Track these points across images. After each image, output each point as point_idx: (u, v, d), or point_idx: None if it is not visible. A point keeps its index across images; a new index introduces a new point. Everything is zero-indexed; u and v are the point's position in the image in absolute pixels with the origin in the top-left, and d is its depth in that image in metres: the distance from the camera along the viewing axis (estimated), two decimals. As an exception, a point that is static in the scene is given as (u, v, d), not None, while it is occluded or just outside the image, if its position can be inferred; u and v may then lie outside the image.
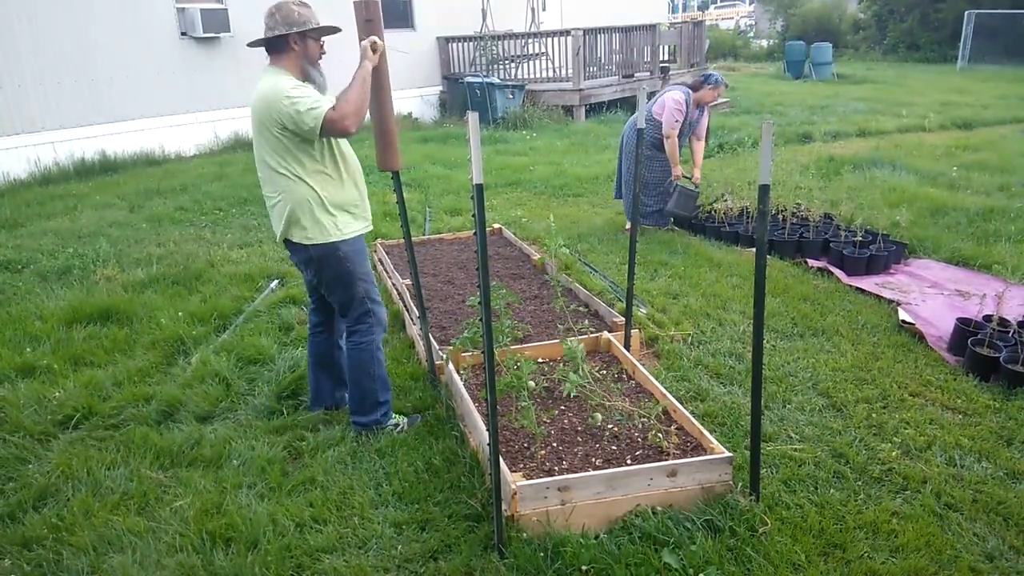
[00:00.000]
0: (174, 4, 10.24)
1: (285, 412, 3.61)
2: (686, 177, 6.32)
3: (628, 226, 6.22)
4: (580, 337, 3.76)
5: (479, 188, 2.25)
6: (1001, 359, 3.75)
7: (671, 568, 2.49)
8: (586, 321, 4.28)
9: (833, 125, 11.48)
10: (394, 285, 5.09)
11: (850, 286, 5.13)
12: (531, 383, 3.40)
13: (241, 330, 4.54)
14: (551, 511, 2.67)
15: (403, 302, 4.75)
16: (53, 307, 4.90)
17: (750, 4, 39.34)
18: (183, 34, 10.39)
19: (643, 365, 3.75)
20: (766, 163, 2.41)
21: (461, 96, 13.13)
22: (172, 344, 4.36)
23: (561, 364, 3.68)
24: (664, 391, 3.39)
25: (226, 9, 10.66)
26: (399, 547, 2.68)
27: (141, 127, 10.08)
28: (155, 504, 2.95)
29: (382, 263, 5.55)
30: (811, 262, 5.58)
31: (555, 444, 3.13)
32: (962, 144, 9.93)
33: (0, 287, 5.37)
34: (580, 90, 12.99)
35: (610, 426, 3.24)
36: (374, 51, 3.07)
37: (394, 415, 3.48)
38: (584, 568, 2.50)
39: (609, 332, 4.10)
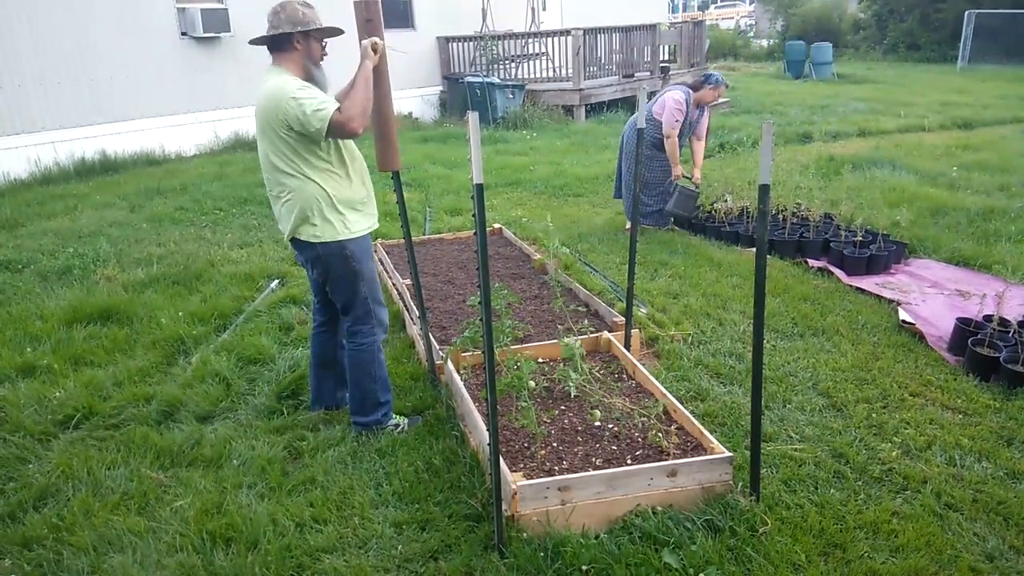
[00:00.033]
0: (174, 4, 10.24)
1: (285, 412, 3.62)
2: (686, 177, 6.32)
3: (628, 226, 6.22)
4: (580, 337, 3.76)
5: (479, 188, 2.25)
6: (1001, 359, 3.75)
7: (671, 568, 2.50)
8: (586, 321, 4.28)
9: (833, 125, 11.48)
10: (394, 285, 5.09)
11: (850, 286, 5.13)
12: (531, 383, 3.40)
13: (241, 330, 4.54)
14: (551, 511, 2.67)
15: (403, 302, 4.75)
16: (53, 307, 4.90)
17: (750, 4, 39.34)
18: (183, 34, 10.39)
19: (643, 365, 3.75)
20: (766, 163, 2.41)
21: (461, 96, 13.14)
22: (172, 344, 4.36)
23: (561, 364, 3.68)
24: (664, 391, 3.39)
25: (226, 9, 10.66)
26: (399, 547, 2.68)
27: (141, 127, 10.08)
28: (155, 504, 2.95)
29: (382, 263, 5.55)
30: (811, 262, 5.58)
31: (555, 444, 3.13)
32: (962, 144, 9.93)
33: (0, 287, 5.37)
34: (580, 90, 12.98)
35: (610, 426, 3.24)
36: (375, 51, 3.07)
37: (394, 415, 3.48)
38: (584, 568, 2.50)
39: (609, 332, 4.10)
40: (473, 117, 2.20)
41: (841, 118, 12.27)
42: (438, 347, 3.94)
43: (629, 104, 13.85)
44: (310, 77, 3.04)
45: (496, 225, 6.50)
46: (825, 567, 2.55)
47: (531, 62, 13.97)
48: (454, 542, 2.69)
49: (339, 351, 3.52)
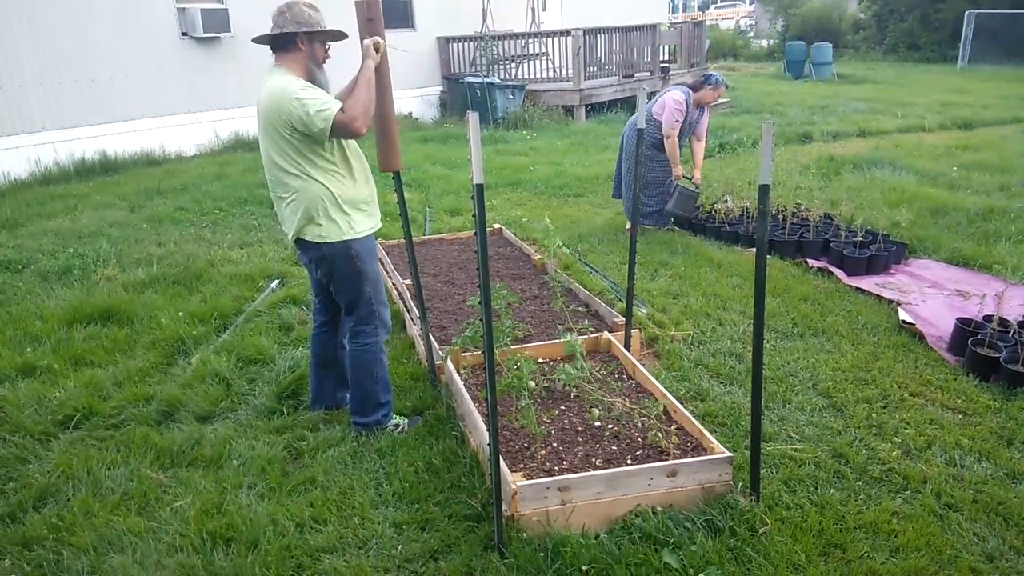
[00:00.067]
0: (174, 4, 10.24)
1: (285, 412, 3.62)
2: (687, 177, 6.32)
3: (628, 226, 6.22)
4: (580, 337, 3.76)
5: (479, 188, 2.25)
6: (1001, 359, 3.75)
7: (671, 568, 2.50)
8: (586, 321, 4.28)
9: (833, 125, 11.48)
10: (394, 285, 5.09)
11: (850, 286, 5.13)
12: (531, 383, 3.40)
13: (241, 330, 4.54)
14: (551, 511, 2.67)
15: (403, 302, 4.75)
16: (53, 307, 4.90)
17: (750, 4, 39.35)
18: (183, 34, 10.39)
19: (643, 365, 3.75)
20: (766, 163, 2.41)
21: (461, 96, 13.14)
22: (172, 344, 4.36)
23: (561, 364, 3.68)
24: (664, 391, 3.39)
25: (226, 9, 10.66)
26: (399, 547, 2.68)
27: (141, 127, 10.08)
28: (155, 504, 2.95)
29: (382, 263, 5.54)
30: (811, 262, 5.58)
31: (555, 444, 3.13)
32: (962, 144, 9.93)
33: (0, 287, 5.37)
34: (580, 90, 12.98)
35: (610, 426, 3.24)
36: (376, 50, 3.07)
37: (394, 416, 3.48)
38: (584, 568, 2.50)
39: (609, 332, 4.10)
40: (473, 117, 2.20)
41: (841, 118, 12.27)
42: (438, 347, 3.94)
43: (629, 104, 13.85)
44: (312, 78, 3.04)
45: (496, 225, 6.50)
46: (825, 567, 2.55)
47: (531, 62, 13.97)
48: (454, 542, 2.69)
49: (339, 351, 3.52)
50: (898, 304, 4.77)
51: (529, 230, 6.62)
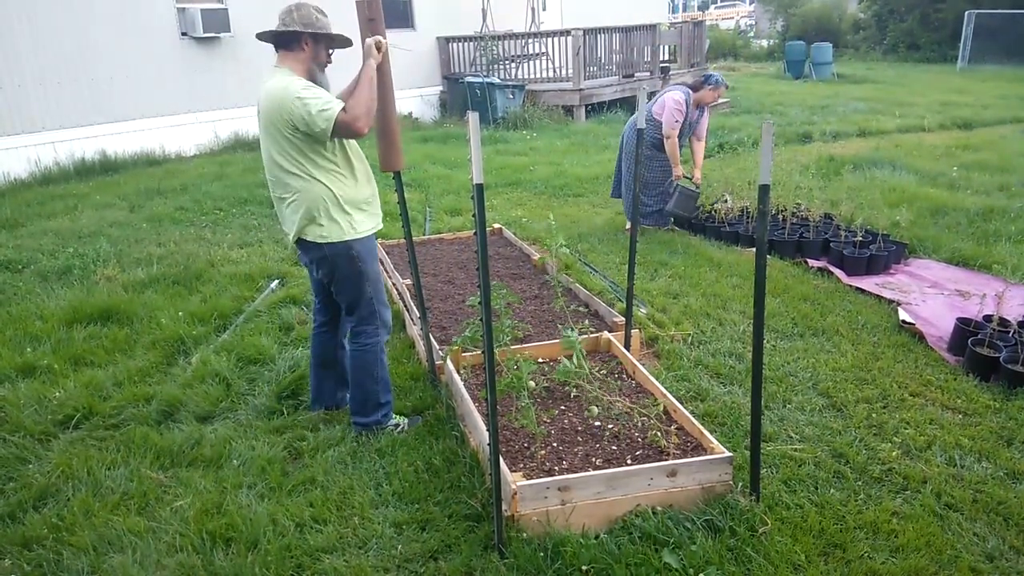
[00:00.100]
0: (174, 4, 10.24)
1: (285, 412, 3.61)
2: (687, 177, 6.32)
3: (628, 226, 6.22)
4: (580, 337, 3.76)
5: (479, 188, 2.25)
6: (1001, 359, 3.75)
7: (671, 568, 2.50)
8: (586, 321, 4.28)
9: (833, 125, 11.48)
10: (394, 285, 5.09)
11: (850, 286, 5.13)
12: (531, 383, 3.40)
13: (241, 330, 4.54)
14: (551, 511, 2.67)
15: (403, 302, 4.75)
16: (53, 307, 4.90)
17: (750, 4, 39.34)
18: (183, 34, 10.39)
19: (643, 365, 3.75)
20: (766, 163, 2.41)
21: (461, 96, 13.14)
22: (172, 344, 4.36)
23: (561, 360, 3.67)
24: (664, 391, 3.39)
25: (226, 9, 10.66)
26: (399, 547, 2.68)
27: (141, 127, 10.08)
28: (155, 504, 2.95)
29: (382, 263, 5.54)
30: (811, 262, 5.58)
31: (555, 444, 3.13)
32: (962, 144, 9.93)
33: (0, 287, 5.37)
34: (580, 90, 12.98)
35: (610, 426, 3.24)
36: (378, 50, 3.06)
37: (394, 416, 3.48)
38: (584, 568, 2.50)
39: (609, 332, 4.10)
40: (473, 117, 2.20)
41: (841, 118, 12.27)
42: (438, 347, 3.94)
43: (629, 104, 13.85)
44: (313, 80, 3.03)
45: (496, 225, 6.50)
46: (825, 567, 2.55)
47: (531, 62, 13.97)
48: (454, 542, 2.69)
49: (339, 351, 3.52)
50: (898, 304, 4.77)
51: (529, 230, 6.62)
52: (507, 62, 13.96)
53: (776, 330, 4.43)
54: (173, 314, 4.74)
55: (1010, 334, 3.98)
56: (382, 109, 3.20)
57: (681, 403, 3.33)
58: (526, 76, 13.88)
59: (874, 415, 3.49)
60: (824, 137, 10.70)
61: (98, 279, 5.46)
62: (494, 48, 13.77)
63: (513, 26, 14.95)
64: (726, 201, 6.60)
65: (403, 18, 13.47)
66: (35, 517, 2.88)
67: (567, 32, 12.96)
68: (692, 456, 2.93)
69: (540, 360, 3.88)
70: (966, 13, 20.83)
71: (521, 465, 2.98)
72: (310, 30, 2.97)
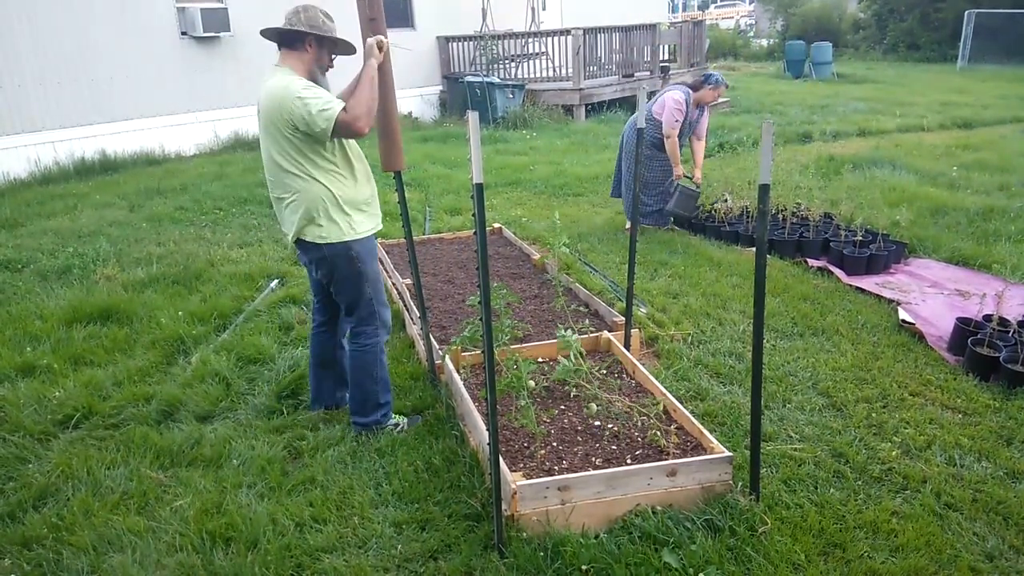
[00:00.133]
0: (174, 4, 10.24)
1: (285, 412, 3.61)
2: (687, 177, 6.32)
3: (628, 226, 6.22)
4: (580, 336, 3.76)
5: (479, 187, 2.25)
6: (1001, 359, 3.75)
7: (671, 568, 2.50)
8: (586, 320, 4.28)
9: (833, 125, 11.48)
10: (394, 284, 5.09)
11: (850, 286, 5.13)
12: (531, 383, 3.40)
13: (241, 330, 4.54)
14: (551, 511, 2.67)
15: (403, 302, 4.75)
16: (53, 306, 4.90)
17: (750, 4, 39.34)
18: (183, 34, 10.39)
19: (643, 364, 3.75)
20: (766, 163, 2.41)
21: (461, 95, 13.13)
22: (172, 344, 4.36)
23: (560, 358, 3.68)
24: (664, 390, 3.39)
25: (226, 9, 10.65)
26: (399, 547, 2.68)
27: (141, 127, 10.08)
28: (155, 504, 2.95)
29: (382, 263, 5.54)
30: (811, 262, 5.58)
31: (555, 444, 3.13)
32: (962, 144, 9.93)
33: (0, 286, 5.37)
34: (580, 90, 12.98)
35: (610, 425, 3.24)
36: (380, 49, 3.06)
37: (394, 415, 3.48)
38: (584, 568, 2.50)
39: (609, 332, 4.10)
40: (473, 117, 2.20)
41: (841, 118, 12.27)
42: (438, 347, 3.94)
43: (629, 104, 13.85)
44: (314, 81, 3.03)
45: (496, 225, 6.50)
46: (825, 567, 2.55)
47: (531, 62, 13.97)
48: (454, 542, 2.69)
49: (338, 351, 3.52)
50: (898, 304, 4.77)
51: (529, 229, 6.62)
52: (507, 62, 13.96)
53: (776, 330, 4.43)
54: (173, 314, 4.74)
55: (1010, 334, 3.98)
56: (383, 109, 3.19)
57: (681, 403, 3.33)
58: (526, 76, 13.88)
59: (874, 415, 3.49)
60: (824, 137, 10.70)
61: (98, 279, 5.46)
62: (494, 48, 13.77)
63: (513, 26, 14.95)
64: (726, 201, 6.60)
65: (403, 17, 13.47)
66: (35, 517, 2.88)
67: (567, 32, 12.96)
68: (692, 456, 2.93)
69: (540, 360, 3.88)
70: (966, 13, 20.83)
71: (521, 465, 2.98)
72: (315, 32, 2.97)
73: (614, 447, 3.09)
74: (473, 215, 2.32)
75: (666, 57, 16.38)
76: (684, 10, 40.42)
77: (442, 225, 6.91)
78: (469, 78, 12.94)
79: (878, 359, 4.04)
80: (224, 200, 7.76)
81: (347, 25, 3.17)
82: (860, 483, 3.00)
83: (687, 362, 4.03)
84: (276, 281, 5.36)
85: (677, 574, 2.48)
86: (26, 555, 2.69)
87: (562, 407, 3.43)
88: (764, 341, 3.15)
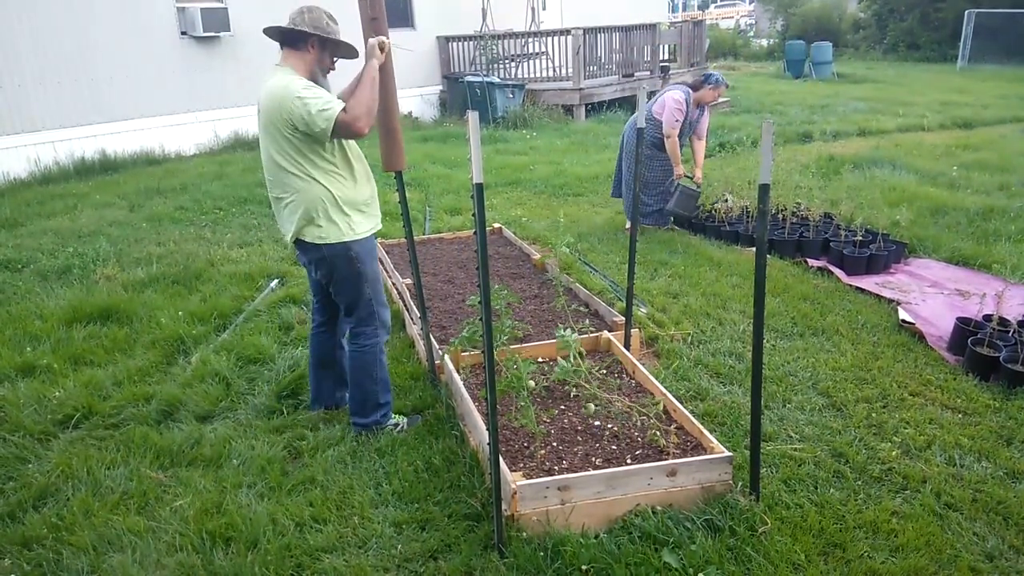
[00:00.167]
0: (174, 3, 10.23)
1: (285, 411, 3.61)
2: (688, 177, 6.31)
3: (628, 225, 6.22)
4: (580, 336, 3.76)
5: (479, 187, 2.25)
6: (1001, 359, 3.75)
7: (671, 568, 2.50)
8: (586, 320, 4.28)
9: (833, 124, 11.48)
10: (394, 284, 5.09)
11: (850, 286, 5.13)
12: (531, 383, 3.40)
13: (241, 329, 4.54)
14: (551, 511, 2.67)
15: (403, 301, 4.75)
16: (53, 306, 4.90)
17: (750, 3, 39.33)
18: (183, 33, 10.39)
19: (643, 364, 3.74)
20: (766, 162, 2.41)
21: (461, 95, 13.13)
22: (172, 343, 4.36)
23: (559, 359, 3.67)
24: (664, 390, 3.39)
25: (226, 8, 10.65)
26: (399, 546, 2.68)
27: (141, 126, 10.08)
28: (155, 504, 2.95)
29: (382, 262, 5.54)
30: (811, 261, 5.58)
31: (555, 444, 3.13)
32: (962, 143, 9.93)
33: (0, 286, 5.37)
34: (580, 89, 12.98)
35: (610, 425, 3.24)
36: (381, 50, 3.06)
37: (394, 415, 3.48)
38: (584, 568, 2.50)
39: (609, 331, 4.10)
40: (473, 117, 2.20)
41: (841, 118, 12.27)
42: (438, 347, 3.94)
43: (629, 104, 13.85)
44: (314, 82, 3.03)
45: (496, 225, 6.50)
46: (825, 567, 2.55)
47: (531, 62, 13.97)
48: (454, 542, 2.69)
49: (338, 351, 3.52)
50: (898, 303, 4.77)
51: (529, 229, 6.62)
52: (507, 61, 13.95)
53: (776, 329, 4.43)
54: (173, 313, 4.74)
55: (1010, 334, 3.98)
56: (385, 109, 3.19)
57: (681, 402, 3.33)
58: (526, 75, 13.87)
59: (874, 415, 3.49)
60: (824, 136, 10.70)
61: (98, 278, 5.46)
62: (494, 47, 13.77)
63: (513, 25, 14.95)
64: (726, 200, 6.60)
65: (403, 17, 13.47)
66: (35, 517, 2.88)
67: (567, 31, 12.96)
68: (692, 456, 2.93)
69: (540, 360, 3.88)
70: (966, 12, 20.83)
71: (521, 465, 2.98)
72: (319, 33, 2.97)
73: (614, 447, 3.09)
74: (473, 215, 2.32)
75: (666, 57, 16.37)
76: (684, 10, 40.42)
77: (442, 225, 6.91)
78: (469, 78, 12.94)
79: (878, 359, 4.04)
80: (224, 200, 7.76)
81: (348, 26, 3.17)
82: (860, 483, 3.00)
83: (687, 362, 4.03)
84: (276, 281, 5.36)
85: (677, 574, 2.48)
86: (26, 555, 2.69)
87: (562, 407, 3.43)
88: (764, 341, 3.15)
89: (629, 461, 2.96)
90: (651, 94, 6.78)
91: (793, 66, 19.80)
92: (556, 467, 2.96)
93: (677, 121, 6.07)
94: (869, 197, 6.95)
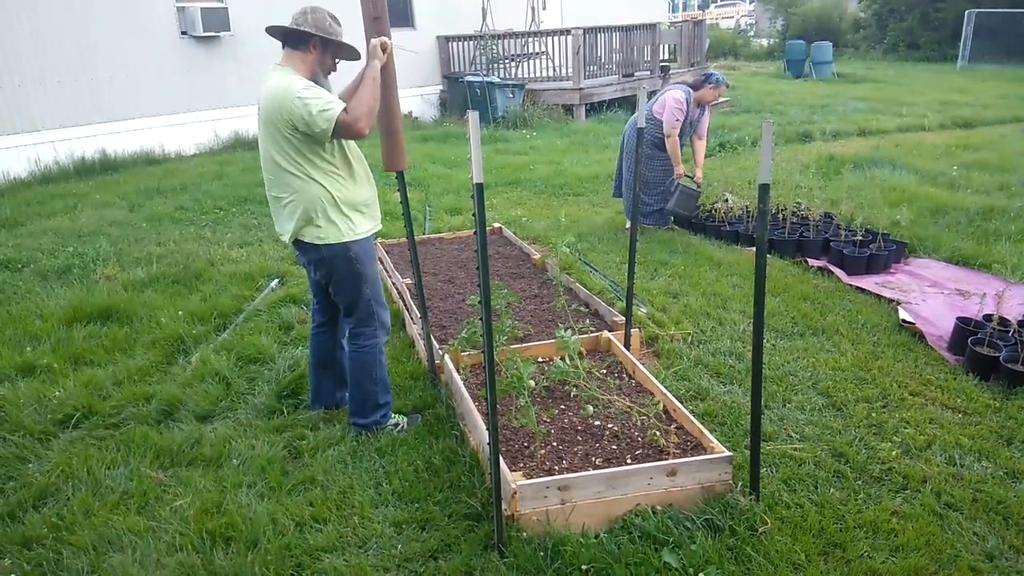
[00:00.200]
0: (174, 3, 10.23)
1: (285, 411, 3.61)
2: (688, 176, 6.31)
3: (628, 225, 6.22)
4: (580, 336, 3.76)
5: (479, 187, 2.25)
6: (1001, 358, 3.75)
7: (671, 568, 2.49)
8: (587, 320, 4.28)
9: (833, 124, 11.48)
10: (394, 284, 5.09)
11: (850, 285, 5.13)
12: (531, 382, 3.39)
13: (241, 329, 4.54)
14: (551, 510, 2.67)
15: (403, 301, 4.75)
16: (53, 306, 4.90)
17: (750, 3, 39.33)
18: (183, 33, 10.39)
19: (643, 364, 3.74)
20: (766, 162, 2.41)
21: (461, 95, 13.13)
22: (172, 343, 4.36)
23: (560, 360, 3.67)
24: (664, 390, 3.39)
25: (226, 8, 10.65)
26: (399, 546, 2.68)
27: (141, 126, 10.08)
28: (155, 503, 2.95)
29: (382, 262, 5.55)
30: (811, 261, 5.58)
31: (555, 443, 3.13)
32: (962, 143, 9.93)
33: (0, 286, 5.37)
34: (580, 89, 12.98)
35: (610, 425, 3.24)
36: (383, 50, 3.05)
37: (394, 415, 3.48)
38: (584, 567, 2.50)
39: (609, 331, 4.10)
40: (473, 116, 2.20)
41: (841, 117, 12.27)
42: (438, 346, 3.94)
43: (629, 103, 13.85)
44: (315, 82, 3.02)
45: (496, 224, 6.50)
46: (825, 566, 2.55)
47: (531, 61, 13.97)
48: (454, 541, 2.69)
49: (338, 351, 3.52)
50: (898, 303, 4.77)
51: (529, 229, 6.62)
52: (507, 61, 13.95)
53: (776, 329, 4.43)
54: (173, 313, 4.74)
55: (1010, 333, 3.98)
56: (386, 109, 3.18)
57: (681, 402, 3.33)
58: (526, 75, 13.87)
59: (874, 414, 3.49)
60: (824, 136, 10.70)
61: (98, 278, 5.46)
62: (494, 47, 13.77)
63: (513, 25, 14.95)
64: (726, 200, 6.60)
65: (403, 17, 13.47)
66: (35, 516, 2.88)
67: (567, 31, 12.96)
68: (692, 455, 2.93)
69: (540, 360, 3.88)
70: (966, 12, 20.83)
71: (521, 464, 2.98)
72: (321, 35, 2.96)
73: (614, 447, 3.09)
74: (473, 215, 2.32)
75: (666, 57, 16.37)
76: (684, 10, 40.42)
77: (442, 225, 6.91)
78: (469, 78, 12.94)
79: (878, 359, 4.04)
80: (224, 200, 7.76)
81: (350, 26, 3.16)
82: (860, 483, 3.00)
83: (687, 362, 4.03)
84: (276, 281, 5.36)
85: (677, 574, 2.48)
86: (26, 555, 2.69)
87: (562, 407, 3.43)
88: (764, 341, 3.15)
89: (629, 461, 2.96)
90: (651, 94, 6.78)
91: (793, 66, 19.80)
92: (556, 467, 2.96)
93: (677, 120, 6.07)
94: (869, 197, 6.95)
